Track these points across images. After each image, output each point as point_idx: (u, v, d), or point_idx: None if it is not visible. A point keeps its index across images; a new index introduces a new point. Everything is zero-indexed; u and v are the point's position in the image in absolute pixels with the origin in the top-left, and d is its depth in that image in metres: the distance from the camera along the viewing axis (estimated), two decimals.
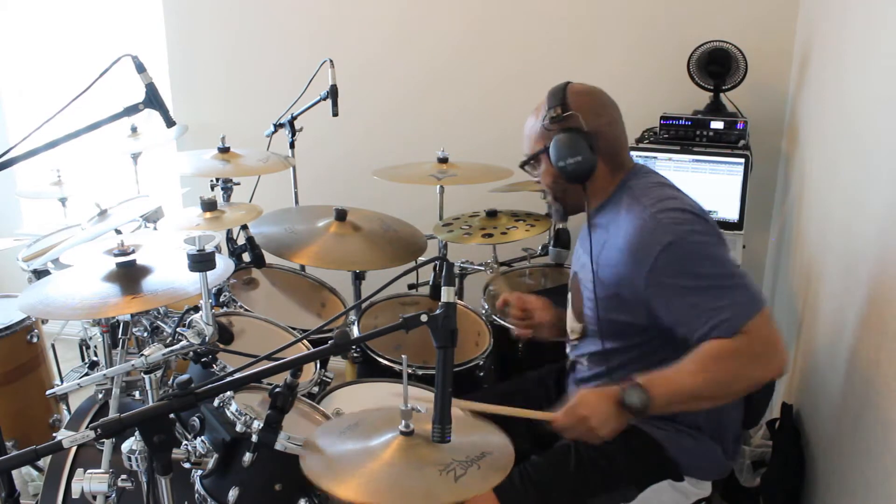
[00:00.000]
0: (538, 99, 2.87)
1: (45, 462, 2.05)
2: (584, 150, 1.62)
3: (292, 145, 2.72)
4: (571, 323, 1.83)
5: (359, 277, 2.57)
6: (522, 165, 1.79)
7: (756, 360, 1.47)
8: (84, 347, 2.77)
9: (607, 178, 1.69)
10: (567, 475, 1.64)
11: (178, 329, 1.60)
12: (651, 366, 1.54)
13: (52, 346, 2.68)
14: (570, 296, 1.85)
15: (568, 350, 1.88)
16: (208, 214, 2.17)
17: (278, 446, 1.46)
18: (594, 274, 1.67)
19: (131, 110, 1.60)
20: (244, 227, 2.26)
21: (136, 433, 1.57)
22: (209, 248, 1.38)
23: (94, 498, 1.60)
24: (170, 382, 1.64)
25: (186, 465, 1.56)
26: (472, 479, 1.26)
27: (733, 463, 1.83)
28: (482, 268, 2.57)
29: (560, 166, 1.64)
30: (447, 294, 1.24)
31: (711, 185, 2.52)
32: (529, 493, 1.60)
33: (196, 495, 1.59)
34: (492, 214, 2.56)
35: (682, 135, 2.61)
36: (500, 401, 1.90)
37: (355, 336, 1.63)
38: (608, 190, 1.70)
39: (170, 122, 1.66)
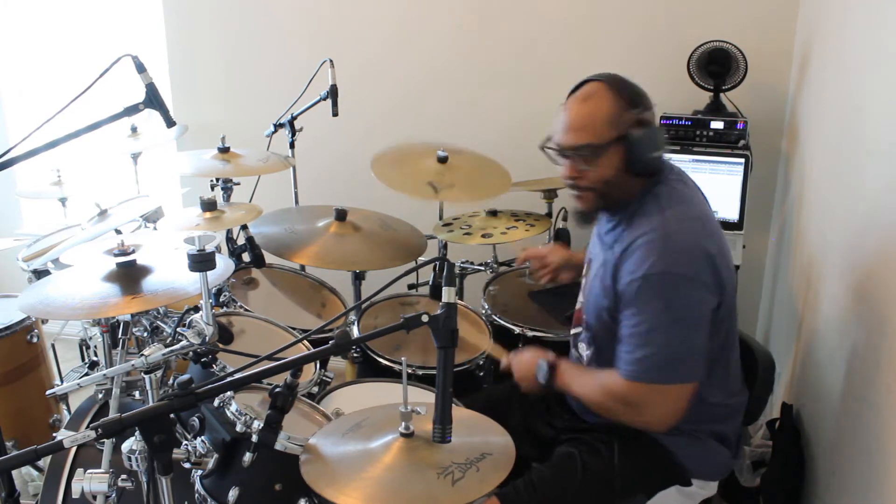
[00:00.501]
0: (538, 98, 2.86)
1: (45, 462, 2.05)
2: (663, 142, 1.63)
3: (292, 145, 2.72)
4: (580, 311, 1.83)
5: (359, 277, 2.57)
6: (588, 157, 1.62)
7: (631, 410, 1.60)
8: (84, 347, 2.77)
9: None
10: (574, 486, 1.64)
11: (178, 329, 1.59)
12: None
13: (52, 346, 2.68)
14: (583, 281, 1.85)
15: (573, 331, 1.88)
16: (208, 214, 2.17)
17: (278, 446, 1.46)
18: (589, 266, 1.72)
19: (131, 110, 1.60)
20: (244, 227, 2.26)
21: (137, 433, 1.57)
22: (209, 248, 1.38)
23: (95, 498, 1.60)
24: (170, 382, 1.64)
25: (186, 465, 1.56)
26: (469, 483, 1.26)
27: (737, 460, 1.84)
28: (482, 268, 2.57)
29: (646, 158, 1.61)
30: (448, 294, 1.24)
31: (711, 186, 2.50)
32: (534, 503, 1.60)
33: (196, 495, 1.59)
34: (492, 214, 2.56)
35: (682, 135, 2.60)
36: (498, 407, 1.88)
37: (355, 336, 1.63)
38: (638, 187, 1.67)
39: (170, 122, 1.65)
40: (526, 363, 1.79)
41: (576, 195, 1.70)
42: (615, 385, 1.60)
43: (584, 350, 1.80)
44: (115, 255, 1.67)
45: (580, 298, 1.84)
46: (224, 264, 1.71)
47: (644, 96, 1.63)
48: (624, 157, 1.61)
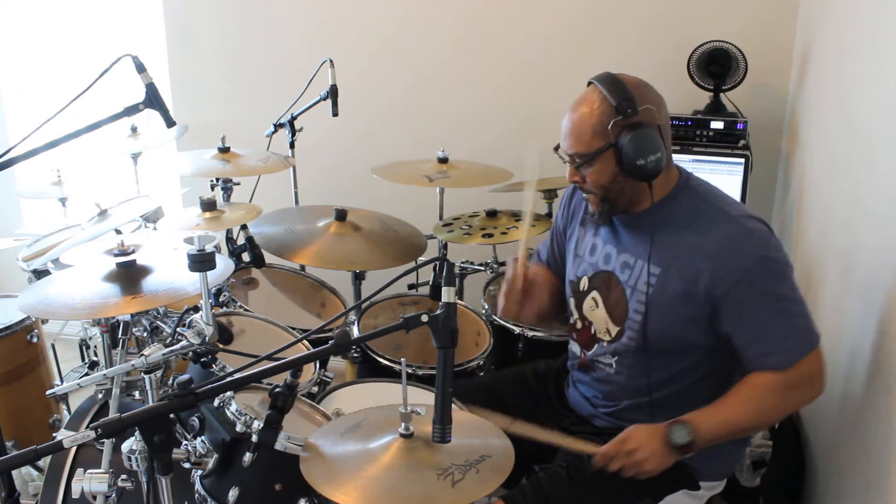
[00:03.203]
0: (538, 99, 2.84)
1: (45, 462, 2.05)
2: (661, 145, 1.54)
3: (292, 145, 2.71)
4: (605, 324, 1.73)
5: (359, 277, 2.57)
6: (579, 165, 1.60)
7: (797, 390, 1.56)
8: (84, 347, 2.77)
9: (664, 175, 1.60)
10: (581, 489, 1.62)
11: (178, 329, 1.59)
12: (693, 384, 1.59)
13: (52, 346, 2.68)
14: (597, 294, 1.75)
15: (576, 348, 1.84)
16: (208, 214, 2.17)
17: (278, 446, 1.46)
18: (651, 275, 1.60)
19: (131, 110, 1.60)
20: (244, 227, 2.26)
21: (136, 433, 1.57)
22: (209, 248, 1.38)
23: (94, 498, 1.60)
24: (170, 382, 1.64)
25: (186, 465, 1.56)
26: (470, 484, 1.25)
27: (743, 450, 1.83)
28: (482, 268, 2.57)
29: (639, 164, 1.52)
30: (447, 294, 1.24)
31: None
32: None
33: (196, 495, 1.59)
34: (492, 214, 2.56)
35: (682, 135, 2.60)
36: (497, 403, 1.85)
37: (355, 336, 1.63)
38: (665, 188, 1.63)
39: (170, 122, 1.65)
40: (646, 439, 1.55)
41: (584, 197, 1.71)
42: (774, 380, 1.53)
43: (618, 371, 1.72)
44: (115, 255, 1.68)
45: (602, 316, 1.74)
46: (224, 264, 1.71)
47: (636, 98, 1.53)
48: (616, 163, 1.56)
